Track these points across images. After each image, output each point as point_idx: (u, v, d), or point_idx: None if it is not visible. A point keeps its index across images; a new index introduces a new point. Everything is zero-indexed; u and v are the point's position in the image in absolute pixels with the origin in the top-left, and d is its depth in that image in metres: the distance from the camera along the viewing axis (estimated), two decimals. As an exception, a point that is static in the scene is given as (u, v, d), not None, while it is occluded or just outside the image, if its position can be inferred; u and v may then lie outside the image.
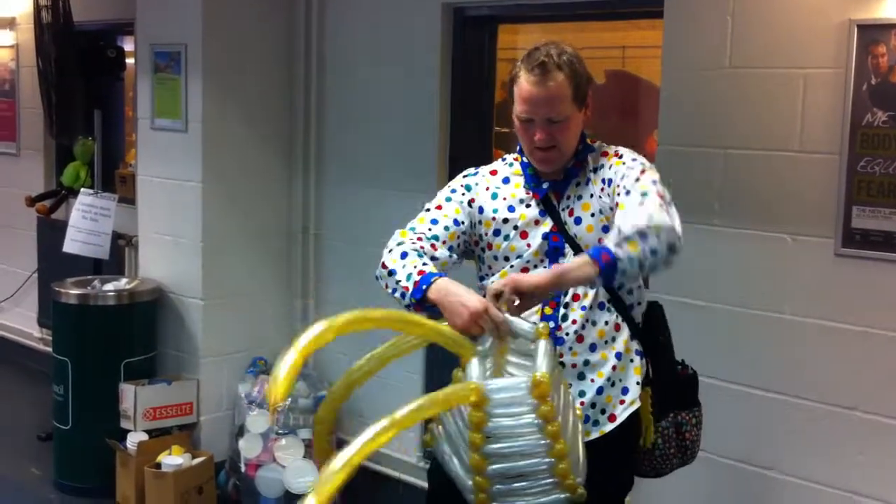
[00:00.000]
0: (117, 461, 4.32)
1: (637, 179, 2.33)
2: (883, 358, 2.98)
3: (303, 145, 4.60)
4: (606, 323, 2.43)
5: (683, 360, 2.65)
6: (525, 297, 2.15)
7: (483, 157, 3.70)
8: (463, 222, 2.49)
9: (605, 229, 2.37)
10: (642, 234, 2.14)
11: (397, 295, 2.34)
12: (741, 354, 3.27)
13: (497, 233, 2.47)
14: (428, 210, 2.52)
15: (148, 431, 4.31)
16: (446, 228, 2.47)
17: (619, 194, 2.34)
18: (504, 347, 2.21)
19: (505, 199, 2.48)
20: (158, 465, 4.18)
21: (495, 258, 2.48)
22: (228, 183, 4.48)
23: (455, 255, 2.49)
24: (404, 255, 2.38)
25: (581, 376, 2.43)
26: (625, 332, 2.46)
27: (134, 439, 4.27)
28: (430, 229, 2.46)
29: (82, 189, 5.02)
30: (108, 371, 4.40)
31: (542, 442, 2.00)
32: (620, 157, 2.45)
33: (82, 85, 4.86)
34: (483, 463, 2.00)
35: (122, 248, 5.23)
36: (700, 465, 3.36)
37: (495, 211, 2.47)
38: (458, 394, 2.00)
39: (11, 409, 5.58)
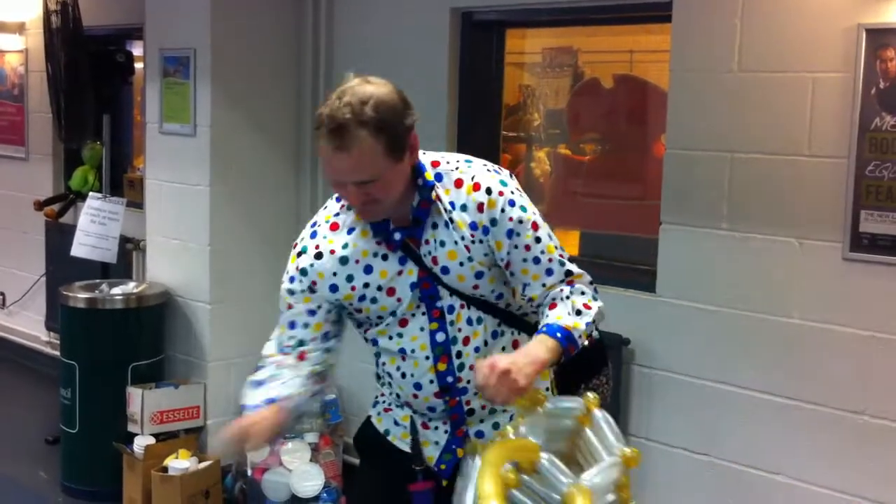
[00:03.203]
0: (124, 465, 4.32)
1: (538, 240, 2.14)
2: (891, 362, 2.98)
3: (311, 149, 4.60)
4: (504, 349, 2.23)
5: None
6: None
7: (491, 162, 3.69)
8: (320, 307, 2.21)
9: (480, 275, 2.15)
10: (593, 324, 2.16)
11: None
12: (749, 359, 3.26)
13: (362, 298, 2.18)
14: (282, 312, 2.26)
15: (155, 435, 4.32)
16: (305, 325, 2.22)
17: (515, 259, 2.14)
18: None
19: (357, 261, 2.16)
20: (165, 469, 4.18)
21: (368, 319, 2.24)
22: (236, 187, 4.49)
23: (335, 332, 2.27)
24: (260, 384, 2.22)
25: (493, 411, 2.27)
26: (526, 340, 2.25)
27: (141, 443, 4.27)
28: (290, 338, 2.23)
29: (90, 193, 5.03)
30: (116, 375, 4.41)
31: None
32: (488, 191, 2.12)
33: (91, 89, 4.87)
34: None
35: (129, 252, 5.24)
36: (707, 468, 3.36)
37: (350, 279, 2.17)
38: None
39: (19, 413, 5.59)
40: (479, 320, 2.19)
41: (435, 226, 2.14)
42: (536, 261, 2.15)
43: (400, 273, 2.16)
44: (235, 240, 4.51)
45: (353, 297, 2.19)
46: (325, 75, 4.54)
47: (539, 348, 2.06)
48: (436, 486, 2.28)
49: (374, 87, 2.06)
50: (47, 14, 4.90)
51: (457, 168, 2.18)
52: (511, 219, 2.12)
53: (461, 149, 4.11)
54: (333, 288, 2.19)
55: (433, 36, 4.11)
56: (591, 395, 2.05)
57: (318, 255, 2.21)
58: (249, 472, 4.32)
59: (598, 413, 2.02)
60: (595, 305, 2.18)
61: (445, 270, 2.15)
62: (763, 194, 3.20)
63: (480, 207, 2.12)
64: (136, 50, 5.19)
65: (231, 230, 4.49)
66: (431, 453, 2.31)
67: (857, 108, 2.96)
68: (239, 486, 4.38)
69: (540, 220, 2.16)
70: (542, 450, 1.93)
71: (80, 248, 4.84)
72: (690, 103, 3.35)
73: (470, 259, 2.14)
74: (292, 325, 2.23)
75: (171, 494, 4.12)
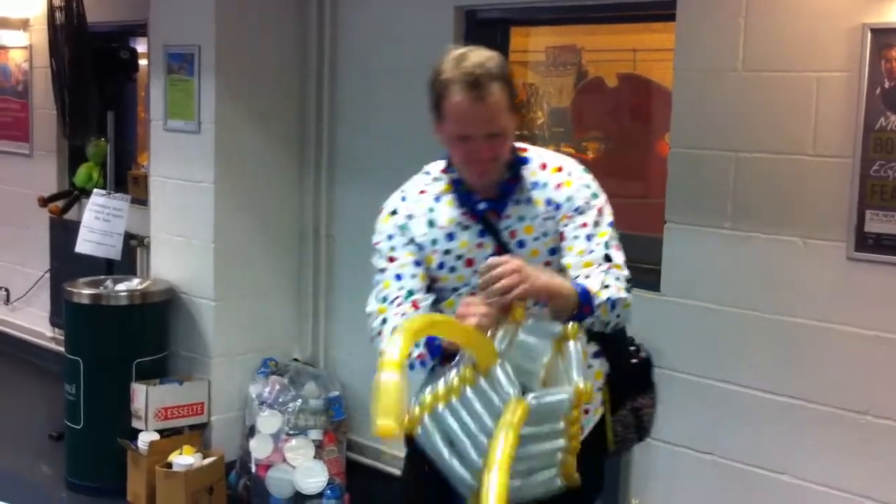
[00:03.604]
0: (129, 460, 4.33)
1: (597, 223, 2.27)
2: (895, 362, 2.98)
3: (315, 147, 4.61)
4: None
5: (639, 345, 2.57)
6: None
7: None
8: (420, 262, 2.32)
9: (553, 251, 2.29)
10: (614, 306, 2.21)
11: (417, 368, 2.22)
12: (753, 358, 3.27)
13: (441, 266, 2.32)
14: (383, 270, 2.34)
15: (159, 431, 4.33)
16: (413, 276, 2.30)
17: (566, 225, 2.27)
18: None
19: (441, 227, 2.31)
20: (169, 465, 4.20)
21: (442, 290, 2.34)
22: (241, 184, 4.49)
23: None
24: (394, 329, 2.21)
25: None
26: (582, 340, 2.33)
27: (145, 439, 4.28)
28: (400, 289, 2.30)
29: (95, 190, 5.03)
30: (120, 371, 4.42)
31: (563, 444, 2.04)
32: (569, 174, 2.31)
33: (95, 86, 4.88)
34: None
35: (134, 249, 5.24)
36: (711, 468, 3.36)
37: (435, 243, 2.31)
38: (518, 419, 1.94)
39: (23, 409, 5.61)
40: (556, 316, 2.24)
41: (517, 202, 2.29)
42: (588, 238, 2.25)
43: (479, 245, 2.29)
44: (239, 237, 4.51)
45: (434, 260, 2.31)
46: (329, 72, 4.54)
47: (558, 280, 2.16)
48: None
49: (486, 51, 2.24)
50: (51, 10, 4.90)
51: (544, 154, 2.37)
52: (583, 198, 2.28)
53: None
54: (421, 247, 2.32)
55: (437, 34, 4.10)
56: (570, 325, 2.09)
57: (410, 216, 2.35)
58: (253, 469, 4.33)
59: (573, 345, 2.07)
60: (622, 292, 2.23)
61: (521, 244, 2.28)
62: (767, 194, 3.20)
63: (558, 186, 2.29)
64: (141, 46, 5.20)
65: (235, 227, 4.49)
66: None
67: (861, 108, 2.96)
68: (243, 483, 4.39)
69: (607, 212, 2.30)
70: (501, 358, 2.01)
71: (85, 244, 4.85)
72: (694, 102, 3.35)
73: (545, 234, 2.28)
74: (399, 278, 2.31)
75: (176, 490, 4.14)
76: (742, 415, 3.29)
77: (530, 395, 1.97)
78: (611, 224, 2.30)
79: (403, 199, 2.38)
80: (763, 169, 3.20)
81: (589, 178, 2.34)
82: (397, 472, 4.36)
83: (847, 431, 3.08)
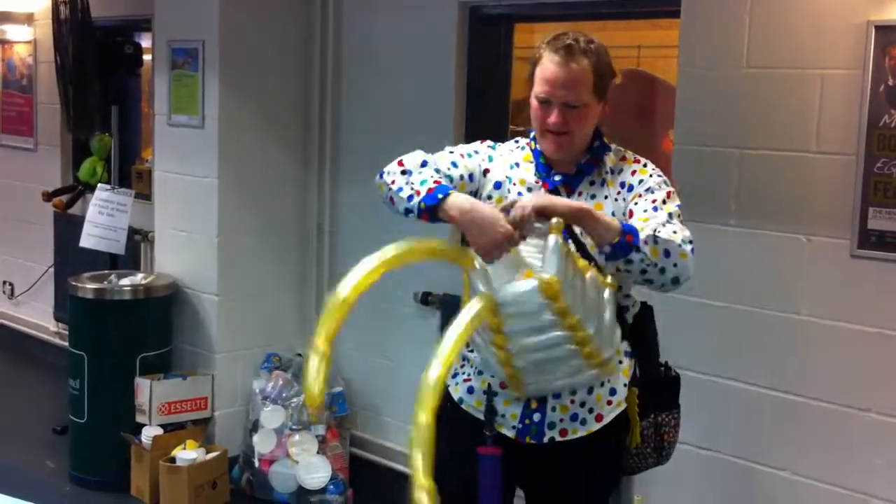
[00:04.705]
0: (132, 455, 4.34)
1: (664, 202, 2.32)
2: (898, 360, 2.98)
3: (318, 142, 4.62)
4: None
5: (667, 362, 2.61)
6: (546, 216, 2.18)
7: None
8: (473, 182, 2.43)
9: None
10: (668, 252, 2.19)
11: (402, 194, 2.27)
12: (755, 355, 3.27)
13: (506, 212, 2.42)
14: (451, 153, 2.45)
15: (163, 426, 4.34)
16: (461, 178, 2.39)
17: (636, 203, 2.33)
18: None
19: (515, 184, 2.43)
20: (173, 460, 4.21)
21: None
22: (244, 179, 4.50)
23: None
24: (424, 164, 2.32)
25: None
26: (618, 333, 2.42)
27: (149, 433, 4.29)
28: (448, 169, 2.38)
29: (99, 184, 5.04)
30: (124, 365, 4.43)
31: (562, 334, 2.14)
32: (645, 165, 2.42)
33: (99, 81, 4.89)
34: (510, 357, 2.16)
35: (138, 244, 5.25)
36: (713, 464, 3.37)
37: (509, 192, 2.41)
38: (480, 312, 2.10)
39: (27, 403, 5.62)
40: (600, 249, 2.28)
41: (592, 182, 2.40)
42: (655, 209, 2.30)
43: None
44: (243, 232, 4.52)
45: (503, 202, 2.34)
46: (333, 68, 4.54)
47: (595, 209, 2.24)
48: (504, 454, 2.36)
49: (596, 38, 2.38)
50: (56, 4, 4.91)
51: (627, 151, 2.48)
52: (655, 183, 2.37)
53: (468, 142, 4.09)
54: (498, 185, 2.42)
55: (441, 30, 4.11)
56: (555, 220, 2.15)
57: (500, 158, 2.48)
58: (257, 464, 4.34)
59: (553, 240, 2.14)
60: (677, 240, 2.21)
61: None
62: (771, 191, 3.20)
63: (633, 173, 2.40)
64: (145, 41, 5.21)
65: (239, 222, 4.50)
66: (514, 410, 2.39)
67: (865, 105, 2.96)
68: (246, 478, 4.40)
69: (675, 197, 2.36)
70: (475, 259, 2.16)
71: (89, 239, 4.86)
72: (699, 99, 3.35)
73: (612, 215, 2.32)
74: (455, 165, 2.40)
75: (179, 485, 4.15)
76: (745, 411, 3.29)
77: (496, 290, 2.11)
78: (678, 207, 2.34)
79: (497, 147, 2.52)
80: (767, 166, 3.20)
81: (661, 173, 2.43)
82: (400, 467, 4.38)
83: (850, 428, 3.08)
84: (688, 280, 2.25)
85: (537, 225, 2.16)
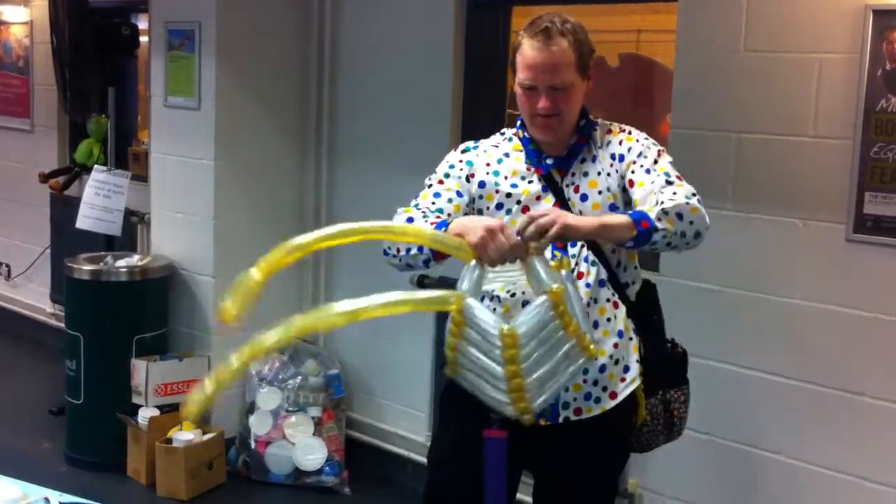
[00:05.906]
0: (129, 436, 4.35)
1: (656, 161, 2.36)
2: (892, 344, 2.99)
3: (316, 126, 4.61)
4: (608, 300, 2.42)
5: (674, 339, 2.64)
6: (563, 238, 2.19)
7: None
8: (462, 196, 2.46)
9: (613, 207, 2.38)
10: (680, 215, 2.21)
11: (412, 253, 2.32)
12: (750, 338, 3.28)
13: (500, 207, 2.44)
14: (430, 185, 2.49)
15: (159, 407, 4.34)
16: (450, 201, 2.43)
17: (633, 171, 2.36)
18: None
19: (506, 176, 2.45)
20: (169, 441, 4.22)
21: None
22: (241, 162, 4.49)
23: None
24: (411, 220, 2.35)
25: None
26: (622, 310, 2.46)
27: (145, 414, 4.30)
28: (433, 203, 2.42)
29: (95, 166, 5.04)
30: (120, 347, 4.43)
31: (556, 322, 2.14)
32: (630, 133, 2.46)
33: (96, 62, 4.87)
34: (517, 368, 2.14)
35: (134, 225, 5.25)
36: (707, 448, 3.38)
37: (497, 185, 2.44)
38: (438, 300, 2.17)
39: (24, 384, 5.62)
40: (594, 263, 2.39)
41: (583, 161, 2.44)
42: (648, 171, 2.35)
43: (538, 199, 2.41)
44: (239, 213, 4.51)
45: (494, 199, 2.43)
46: (330, 52, 4.53)
47: (602, 217, 2.26)
48: (510, 437, 2.36)
49: (571, 17, 2.39)
50: (52, -14, 4.89)
51: (613, 123, 2.51)
52: (643, 146, 2.41)
53: (466, 128, 4.11)
54: (482, 185, 2.45)
55: (439, 13, 4.10)
56: (555, 286, 2.14)
57: (479, 155, 2.50)
58: (253, 445, 4.35)
59: (536, 261, 2.16)
60: (682, 199, 2.24)
61: (584, 198, 2.40)
62: (768, 175, 3.20)
63: (620, 143, 2.44)
64: (142, 23, 5.18)
65: (235, 204, 4.50)
66: None
67: (863, 90, 2.96)
68: (242, 459, 4.41)
69: (666, 155, 2.41)
70: (467, 296, 2.16)
71: (85, 220, 4.86)
72: (696, 83, 3.35)
73: (608, 189, 2.39)
74: (438, 195, 2.45)
75: (175, 466, 4.16)
76: (740, 395, 3.31)
77: (515, 323, 2.11)
78: (670, 163, 2.38)
79: (476, 146, 2.54)
80: (764, 150, 3.20)
81: (648, 137, 2.47)
82: (396, 449, 4.40)
83: (844, 412, 3.09)
84: (707, 229, 2.28)
85: (542, 276, 2.16)
